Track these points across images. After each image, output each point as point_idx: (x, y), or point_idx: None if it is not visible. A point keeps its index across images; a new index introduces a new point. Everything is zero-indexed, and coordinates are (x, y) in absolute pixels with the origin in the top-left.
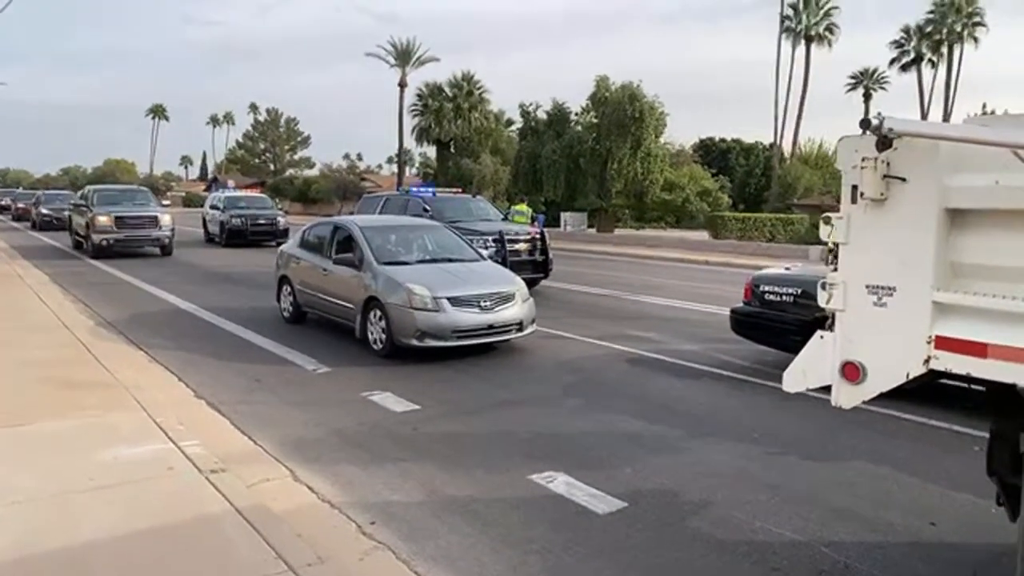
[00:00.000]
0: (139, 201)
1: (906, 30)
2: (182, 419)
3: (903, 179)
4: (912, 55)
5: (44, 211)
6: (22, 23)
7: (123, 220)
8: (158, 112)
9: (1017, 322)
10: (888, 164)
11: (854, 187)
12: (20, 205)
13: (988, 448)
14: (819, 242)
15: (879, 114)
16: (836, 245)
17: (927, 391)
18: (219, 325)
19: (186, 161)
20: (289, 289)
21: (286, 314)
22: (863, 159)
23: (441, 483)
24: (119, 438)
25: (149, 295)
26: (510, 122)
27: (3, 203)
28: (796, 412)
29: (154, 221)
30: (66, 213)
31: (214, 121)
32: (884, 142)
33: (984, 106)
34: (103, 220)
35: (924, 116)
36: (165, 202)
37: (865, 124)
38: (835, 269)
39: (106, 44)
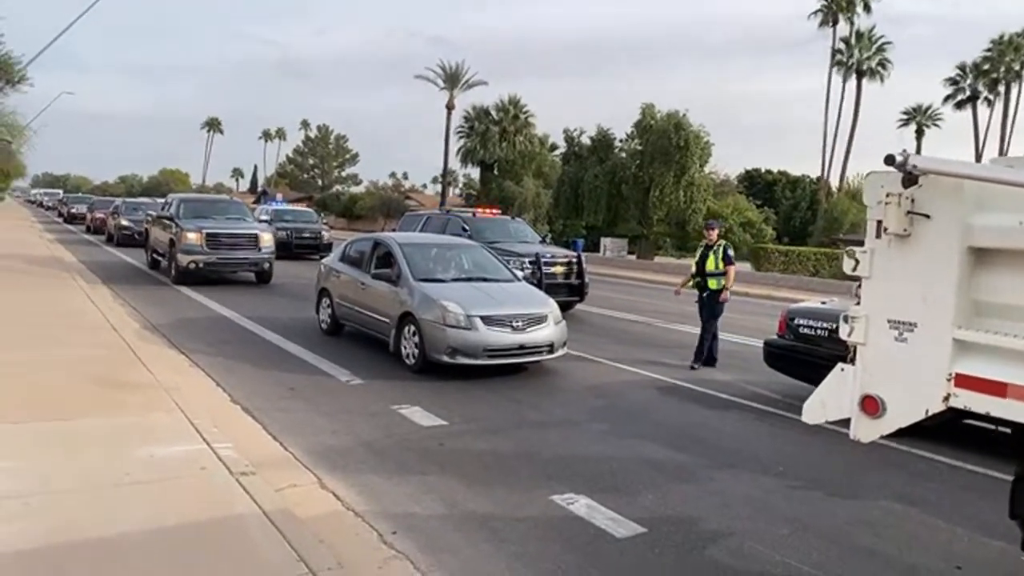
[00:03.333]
0: (233, 215)
1: (962, 67)
2: (217, 422)
3: (927, 216)
4: (968, 93)
5: (124, 223)
6: (93, 36)
7: (216, 238)
8: (213, 125)
9: None
10: (912, 200)
11: (879, 222)
12: (98, 215)
13: (1011, 491)
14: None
15: (904, 151)
16: (860, 279)
17: (964, 434)
18: (258, 333)
19: (237, 173)
20: (328, 301)
21: (324, 326)
22: (888, 195)
23: (463, 498)
24: (156, 437)
25: (193, 301)
26: (554, 146)
27: (74, 211)
28: (823, 448)
29: (253, 241)
30: (145, 226)
31: (266, 136)
32: (909, 178)
33: None
34: (192, 238)
35: (979, 155)
36: (263, 217)
37: (890, 160)
38: (858, 303)
39: (167, 58)
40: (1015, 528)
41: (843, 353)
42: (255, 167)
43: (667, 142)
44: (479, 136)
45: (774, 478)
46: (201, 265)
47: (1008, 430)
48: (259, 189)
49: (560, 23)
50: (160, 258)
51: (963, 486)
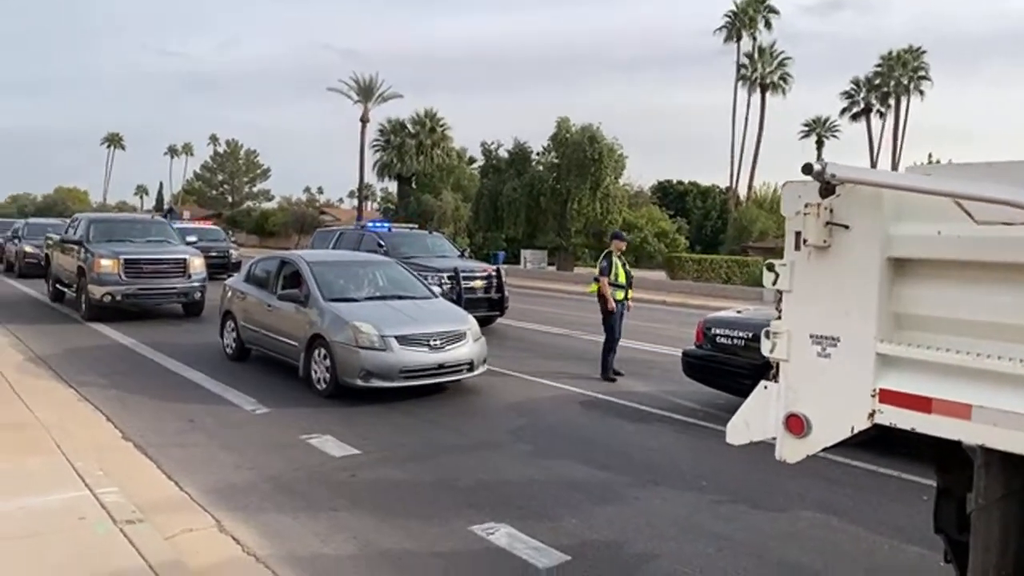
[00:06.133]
0: (156, 237)
1: (856, 82)
2: (104, 464)
3: (846, 226)
4: (862, 105)
5: (29, 249)
6: None
7: (137, 266)
8: (114, 141)
9: (961, 376)
10: (831, 211)
11: (797, 233)
12: None
13: (935, 505)
14: None
15: (822, 160)
16: (781, 292)
17: (877, 438)
18: (158, 361)
19: (141, 191)
20: (233, 325)
21: (229, 351)
22: (806, 205)
23: (376, 535)
24: (30, 486)
25: (87, 329)
26: (472, 160)
27: None
28: (744, 458)
29: (181, 267)
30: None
31: (172, 151)
32: (827, 188)
33: (930, 156)
34: (106, 265)
35: (873, 165)
36: (191, 238)
37: (808, 169)
38: (779, 317)
39: (59, 72)
40: (931, 534)
41: (759, 362)
42: (160, 184)
43: (582, 155)
44: (395, 149)
45: (698, 493)
46: (119, 298)
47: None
48: (165, 207)
49: (473, 37)
50: (65, 289)
51: (877, 490)
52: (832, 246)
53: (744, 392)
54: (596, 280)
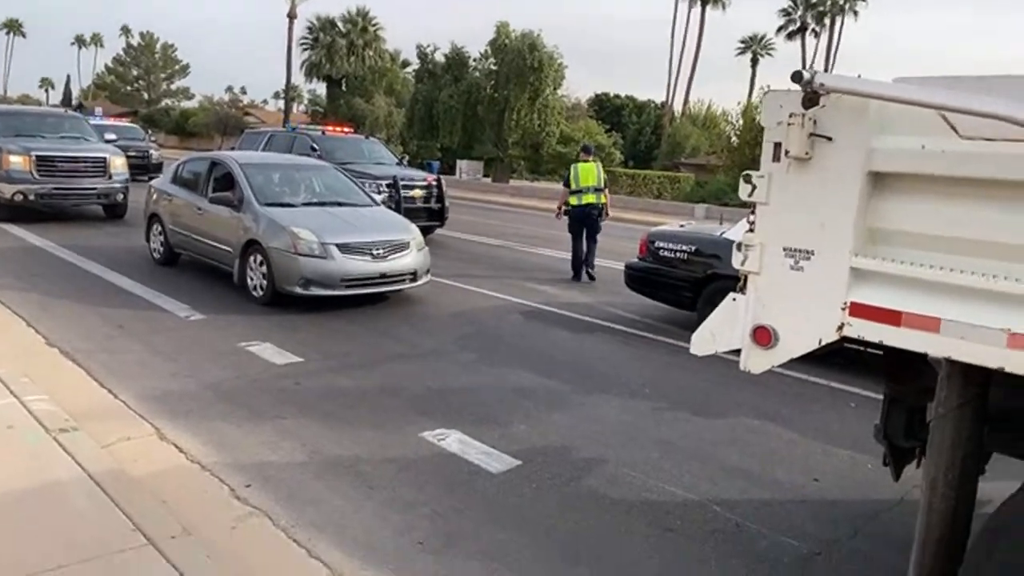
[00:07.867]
0: (69, 132)
1: None
2: (29, 370)
3: (829, 138)
4: (798, 24)
5: None
6: None
7: (51, 163)
8: (13, 27)
9: (931, 291)
10: (815, 122)
11: (777, 144)
12: None
13: (884, 413)
14: (702, 200)
15: (811, 68)
16: (754, 205)
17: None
18: (79, 265)
19: (47, 84)
20: (160, 228)
21: (156, 255)
22: (790, 115)
23: (325, 442)
24: None
25: None
26: (406, 63)
27: None
28: (684, 367)
29: (100, 165)
30: None
31: (80, 42)
32: (812, 98)
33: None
34: (16, 162)
35: None
36: (109, 136)
37: (797, 77)
38: (751, 230)
39: None
40: (860, 437)
41: (700, 275)
42: (68, 77)
43: (522, 63)
44: (325, 49)
45: (642, 400)
46: (31, 197)
47: (880, 352)
48: (74, 102)
49: None
50: None
51: (809, 398)
52: (813, 158)
53: (685, 304)
54: (600, 191)
